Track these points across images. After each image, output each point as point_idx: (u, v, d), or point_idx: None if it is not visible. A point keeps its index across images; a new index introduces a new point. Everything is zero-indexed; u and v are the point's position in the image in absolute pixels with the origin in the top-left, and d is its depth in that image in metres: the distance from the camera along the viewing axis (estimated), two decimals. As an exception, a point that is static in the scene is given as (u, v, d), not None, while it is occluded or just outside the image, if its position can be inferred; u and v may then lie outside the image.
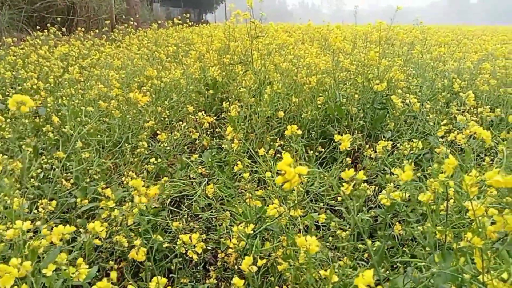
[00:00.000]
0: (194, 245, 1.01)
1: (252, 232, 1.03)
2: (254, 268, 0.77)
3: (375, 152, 2.00)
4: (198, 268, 1.40)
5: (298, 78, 2.68)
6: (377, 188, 1.82)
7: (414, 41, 3.52)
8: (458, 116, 2.04)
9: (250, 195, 1.12)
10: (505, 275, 0.68)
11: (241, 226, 1.03)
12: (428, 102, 2.61)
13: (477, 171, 0.82)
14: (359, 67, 2.74)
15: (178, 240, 1.06)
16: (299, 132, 1.45)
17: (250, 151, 1.92)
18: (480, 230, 0.81)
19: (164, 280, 0.82)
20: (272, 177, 1.53)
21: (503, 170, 0.77)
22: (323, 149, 2.34)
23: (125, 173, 1.80)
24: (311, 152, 2.32)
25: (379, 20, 2.46)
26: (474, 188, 0.78)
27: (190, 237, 1.10)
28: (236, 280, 0.72)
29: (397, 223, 1.51)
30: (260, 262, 0.79)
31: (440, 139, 1.92)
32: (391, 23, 2.70)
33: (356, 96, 2.41)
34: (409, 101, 2.09)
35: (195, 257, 0.98)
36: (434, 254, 0.97)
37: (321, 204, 1.92)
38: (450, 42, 4.63)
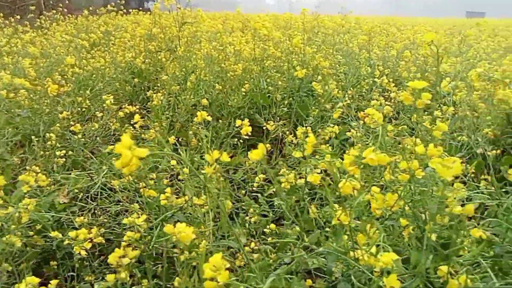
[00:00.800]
0: (84, 240, 0.95)
1: (147, 223, 0.98)
2: (126, 260, 0.73)
3: (297, 138, 2.02)
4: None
5: (226, 66, 2.64)
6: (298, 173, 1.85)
7: (339, 29, 3.61)
8: (372, 101, 2.13)
9: (144, 185, 1.07)
10: (373, 250, 0.70)
11: (134, 217, 0.98)
12: (351, 88, 2.70)
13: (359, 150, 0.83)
14: (287, 55, 2.75)
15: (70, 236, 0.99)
16: (209, 118, 1.41)
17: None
18: (361, 207, 0.83)
19: (35, 280, 0.75)
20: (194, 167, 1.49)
21: (378, 148, 0.79)
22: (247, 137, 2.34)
23: (29, 167, 1.66)
24: (235, 140, 2.31)
25: (304, 8, 2.48)
26: (352, 167, 0.80)
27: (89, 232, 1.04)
28: (109, 276, 0.68)
29: (312, 206, 1.54)
30: (131, 254, 0.75)
31: (355, 123, 1.99)
32: (315, 11, 2.73)
33: (281, 83, 2.42)
34: (328, 87, 2.14)
35: (83, 252, 0.91)
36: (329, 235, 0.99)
37: (243, 192, 1.92)
38: (378, 31, 4.82)
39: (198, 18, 2.74)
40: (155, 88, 2.72)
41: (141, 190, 1.06)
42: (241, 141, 2.29)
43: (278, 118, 2.47)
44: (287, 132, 2.11)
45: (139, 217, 0.92)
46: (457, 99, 2.10)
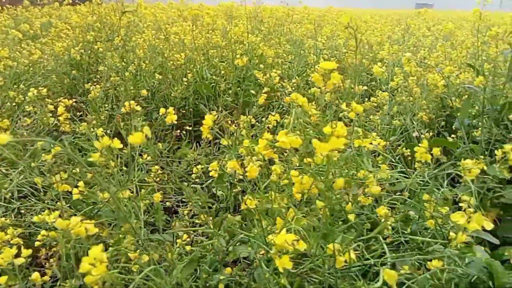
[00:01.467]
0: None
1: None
2: (20, 260, 0.67)
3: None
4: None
5: (168, 55, 2.57)
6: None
7: (285, 19, 3.62)
8: (312, 89, 2.14)
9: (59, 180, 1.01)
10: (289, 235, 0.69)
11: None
12: (296, 77, 2.71)
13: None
14: (231, 44, 2.71)
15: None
16: (139, 108, 1.36)
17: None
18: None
19: None
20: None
21: (290, 131, 0.78)
22: (189, 128, 2.30)
23: None
24: (178, 131, 2.26)
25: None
26: (266, 151, 0.79)
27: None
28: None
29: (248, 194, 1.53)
30: (25, 253, 0.70)
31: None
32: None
33: (224, 72, 2.38)
34: (270, 75, 2.13)
35: None
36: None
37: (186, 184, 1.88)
38: (327, 21, 4.88)
39: (138, 7, 2.63)
40: (94, 80, 2.60)
41: (55, 185, 0.99)
42: (184, 132, 2.25)
43: (223, 108, 2.44)
44: (229, 122, 2.09)
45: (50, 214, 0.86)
46: (393, 84, 2.16)
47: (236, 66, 2.63)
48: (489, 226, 0.61)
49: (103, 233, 1.21)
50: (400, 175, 1.19)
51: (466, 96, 1.65)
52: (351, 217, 0.86)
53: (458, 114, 1.65)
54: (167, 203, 1.80)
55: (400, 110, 2.12)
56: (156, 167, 1.73)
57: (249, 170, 0.71)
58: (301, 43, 3.55)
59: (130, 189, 1.26)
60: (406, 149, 2.03)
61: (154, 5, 3.47)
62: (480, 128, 1.55)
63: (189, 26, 2.91)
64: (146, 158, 1.47)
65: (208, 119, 0.77)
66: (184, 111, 2.49)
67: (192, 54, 2.58)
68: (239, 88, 2.59)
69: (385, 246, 0.71)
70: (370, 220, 1.07)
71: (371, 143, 1.06)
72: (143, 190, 1.61)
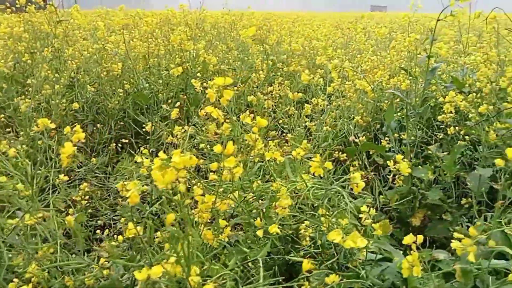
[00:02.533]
0: None
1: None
2: None
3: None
4: None
5: (105, 65, 2.48)
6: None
7: (227, 24, 3.62)
8: (250, 97, 2.13)
9: None
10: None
11: None
12: (240, 84, 2.70)
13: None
14: (171, 52, 2.66)
15: None
16: (52, 125, 1.29)
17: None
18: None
19: None
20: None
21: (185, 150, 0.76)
22: (126, 140, 2.23)
23: None
24: (114, 144, 2.19)
25: (182, 4, 2.40)
26: (160, 172, 0.75)
27: None
28: None
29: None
30: None
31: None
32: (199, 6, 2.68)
33: (161, 81, 2.33)
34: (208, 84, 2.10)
35: None
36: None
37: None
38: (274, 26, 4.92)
39: (73, 16, 2.52)
40: (26, 93, 2.46)
41: None
42: (120, 146, 2.18)
43: (163, 119, 2.38)
44: (165, 133, 2.04)
45: None
46: (330, 90, 2.19)
47: (178, 75, 2.58)
48: (363, 243, 0.61)
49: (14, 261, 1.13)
50: (321, 184, 1.19)
51: (391, 101, 1.69)
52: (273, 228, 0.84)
53: (384, 118, 1.69)
54: (99, 221, 1.73)
55: (337, 115, 2.16)
56: (85, 184, 1.66)
57: (131, 195, 0.67)
58: (247, 49, 3.56)
59: (47, 211, 1.19)
60: (342, 153, 2.06)
61: (93, 12, 3.35)
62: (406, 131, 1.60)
63: (128, 35, 2.83)
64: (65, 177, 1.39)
65: (68, 147, 0.72)
66: (123, 123, 2.42)
67: (131, 64, 2.51)
68: (185, 96, 2.55)
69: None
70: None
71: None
72: (70, 210, 1.54)
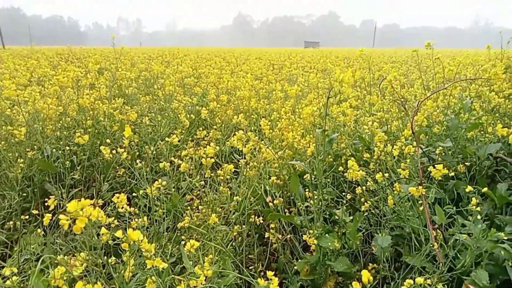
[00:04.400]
0: None
1: None
2: None
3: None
4: None
5: (11, 130, 2.29)
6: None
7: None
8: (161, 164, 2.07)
9: None
10: None
11: None
12: (160, 142, 2.63)
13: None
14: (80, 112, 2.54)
15: None
16: None
17: None
18: None
19: None
20: None
21: None
22: (25, 217, 2.04)
23: None
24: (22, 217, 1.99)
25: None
26: None
27: None
28: None
29: None
30: None
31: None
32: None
33: (68, 148, 2.19)
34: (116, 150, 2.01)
35: None
36: None
37: None
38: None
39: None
40: None
41: None
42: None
43: (73, 185, 2.23)
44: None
45: None
46: (246, 151, 2.20)
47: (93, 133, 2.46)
48: None
49: None
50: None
51: (294, 171, 1.72)
52: None
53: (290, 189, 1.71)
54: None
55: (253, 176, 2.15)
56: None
57: None
58: (170, 99, 3.52)
59: None
60: (258, 217, 2.04)
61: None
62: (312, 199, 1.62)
63: (39, 92, 2.67)
64: None
65: None
66: (27, 193, 2.22)
67: (38, 127, 2.35)
68: (95, 160, 2.42)
69: None
70: None
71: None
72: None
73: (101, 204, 1.92)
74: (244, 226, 1.95)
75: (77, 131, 2.34)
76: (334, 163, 2.29)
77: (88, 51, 16.67)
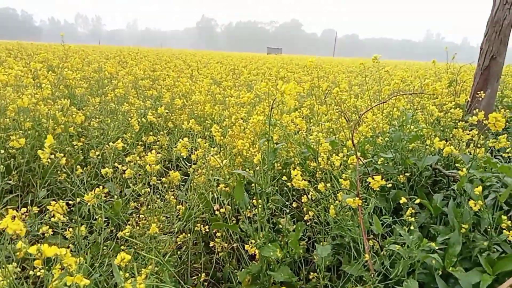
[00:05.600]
0: None
1: None
2: None
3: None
4: None
5: None
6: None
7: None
8: (104, 170, 1.99)
9: None
10: None
11: None
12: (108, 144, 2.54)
13: None
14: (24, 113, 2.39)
15: None
16: None
17: None
18: None
19: None
20: None
21: None
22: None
23: None
24: None
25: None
26: None
27: None
28: None
29: None
30: None
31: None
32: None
33: (3, 151, 2.05)
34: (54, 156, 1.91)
35: None
36: None
37: None
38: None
39: None
40: None
41: None
42: None
43: (8, 189, 2.09)
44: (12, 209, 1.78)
45: None
46: (194, 157, 2.17)
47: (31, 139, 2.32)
48: None
49: None
50: None
51: (238, 181, 1.71)
52: None
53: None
54: None
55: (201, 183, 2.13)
56: None
57: None
58: (122, 101, 3.41)
59: None
60: (206, 225, 2.01)
61: None
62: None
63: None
64: None
65: None
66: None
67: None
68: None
69: None
70: None
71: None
72: None
73: (37, 211, 1.81)
74: (189, 234, 1.91)
75: (15, 133, 2.21)
76: (284, 170, 2.31)
77: (40, 47, 15.88)
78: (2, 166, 2.00)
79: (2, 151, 2.03)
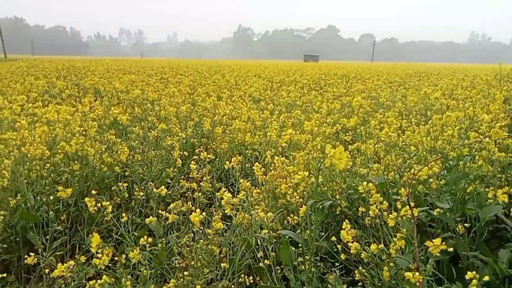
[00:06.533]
0: None
1: None
2: None
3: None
4: None
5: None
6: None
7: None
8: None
9: None
10: None
11: None
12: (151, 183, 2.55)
13: None
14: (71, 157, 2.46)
15: None
16: None
17: None
18: None
19: None
20: None
21: None
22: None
23: None
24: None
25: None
26: None
27: None
28: None
29: None
30: None
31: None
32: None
33: (52, 197, 2.11)
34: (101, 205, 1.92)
35: None
36: None
37: None
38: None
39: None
40: None
41: None
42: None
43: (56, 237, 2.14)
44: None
45: None
46: (236, 201, 2.12)
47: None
48: None
49: None
50: None
51: (285, 239, 1.64)
52: None
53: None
54: None
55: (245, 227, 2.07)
56: None
57: None
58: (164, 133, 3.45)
59: None
60: (249, 276, 1.95)
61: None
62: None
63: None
64: None
65: None
66: (8, 243, 2.14)
67: (22, 171, 2.27)
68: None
69: None
70: None
71: None
72: None
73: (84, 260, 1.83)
74: (233, 286, 1.86)
75: (62, 176, 2.26)
76: (328, 212, 2.21)
77: (89, 62, 16.91)
78: (51, 212, 2.06)
79: (50, 198, 2.09)
